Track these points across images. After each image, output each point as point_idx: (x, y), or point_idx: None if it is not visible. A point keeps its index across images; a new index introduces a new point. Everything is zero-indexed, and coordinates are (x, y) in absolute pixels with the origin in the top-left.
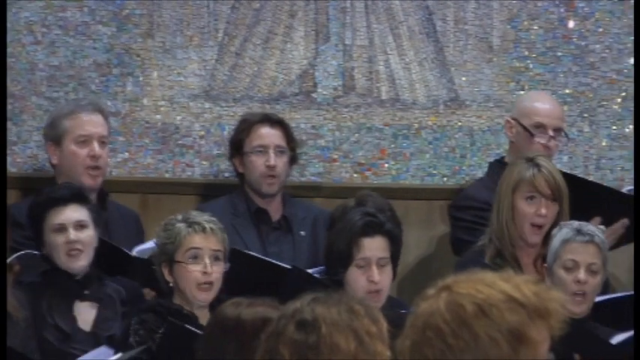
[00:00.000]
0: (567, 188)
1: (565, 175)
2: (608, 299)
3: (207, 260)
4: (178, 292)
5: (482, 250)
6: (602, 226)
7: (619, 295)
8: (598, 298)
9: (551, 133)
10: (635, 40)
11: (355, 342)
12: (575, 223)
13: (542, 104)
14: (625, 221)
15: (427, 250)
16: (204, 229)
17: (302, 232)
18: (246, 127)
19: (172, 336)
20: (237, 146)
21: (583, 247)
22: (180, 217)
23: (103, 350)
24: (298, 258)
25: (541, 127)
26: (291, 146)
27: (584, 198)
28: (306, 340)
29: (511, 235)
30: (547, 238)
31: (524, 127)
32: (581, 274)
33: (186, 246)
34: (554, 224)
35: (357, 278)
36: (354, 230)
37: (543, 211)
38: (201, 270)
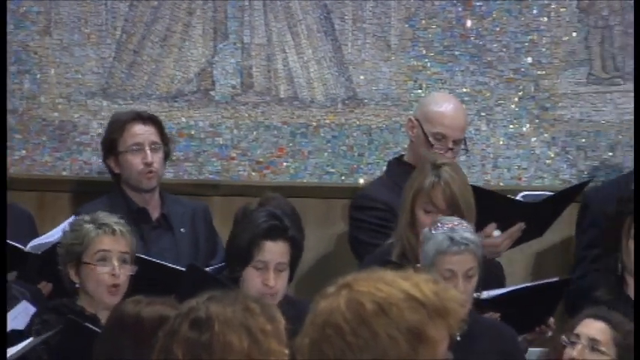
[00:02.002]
0: (473, 199)
1: None
2: (505, 293)
3: (115, 262)
4: (83, 293)
5: (390, 249)
6: (498, 231)
7: (513, 288)
8: (495, 292)
9: (450, 145)
10: (635, 40)
11: (248, 340)
12: (447, 228)
13: (447, 113)
14: (521, 225)
15: (325, 249)
16: (113, 232)
17: (182, 229)
18: (118, 126)
19: (71, 334)
20: (111, 146)
21: (459, 257)
22: (88, 217)
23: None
24: (180, 255)
25: (442, 138)
26: (165, 141)
27: (479, 206)
28: (199, 338)
29: (410, 240)
30: None
31: (425, 134)
32: (460, 285)
33: (94, 248)
34: None
35: (253, 279)
36: (257, 231)
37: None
38: (109, 272)
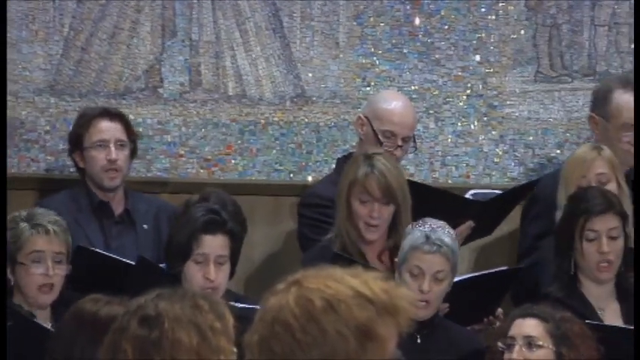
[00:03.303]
0: (408, 187)
1: (411, 183)
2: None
3: (49, 263)
4: (19, 291)
5: (329, 245)
6: None
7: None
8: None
9: (399, 142)
10: (635, 40)
11: (198, 337)
12: (427, 227)
13: (396, 111)
14: (470, 223)
15: (274, 247)
16: (47, 232)
17: (145, 226)
18: (85, 121)
19: (19, 330)
20: (77, 141)
21: (430, 257)
22: (24, 215)
23: None
24: (141, 251)
25: (391, 135)
26: (132, 139)
27: (429, 204)
28: (148, 335)
29: (350, 233)
30: (392, 232)
31: (374, 131)
32: (425, 285)
33: (28, 248)
34: (395, 222)
35: (194, 274)
36: (195, 226)
37: (375, 214)
38: (42, 273)
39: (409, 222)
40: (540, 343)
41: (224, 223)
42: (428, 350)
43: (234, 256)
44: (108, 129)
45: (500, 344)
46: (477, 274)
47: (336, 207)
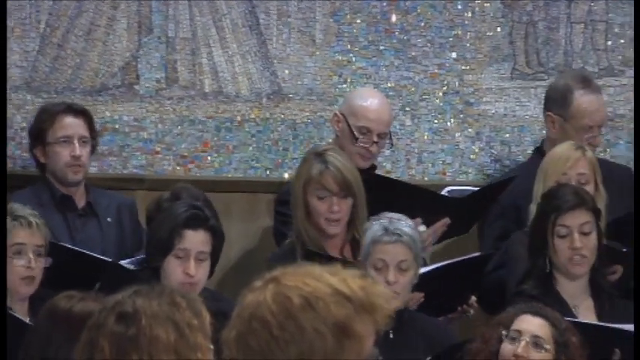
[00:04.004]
0: (361, 180)
1: (386, 179)
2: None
3: (31, 255)
4: None
5: (293, 247)
6: (423, 226)
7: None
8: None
9: (375, 138)
10: (635, 39)
11: (175, 334)
12: (385, 220)
13: (372, 107)
14: (446, 220)
15: (250, 243)
16: (29, 224)
17: (109, 219)
18: (48, 117)
19: None
20: (39, 136)
21: (391, 247)
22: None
23: None
24: (106, 244)
25: (367, 132)
26: (93, 135)
27: (405, 201)
28: (125, 332)
29: (309, 232)
30: (350, 226)
31: (350, 127)
32: (391, 276)
33: (10, 241)
34: (352, 215)
35: (174, 269)
36: (177, 221)
37: (335, 208)
38: (24, 265)
39: (365, 214)
40: (547, 346)
41: (206, 219)
42: (401, 345)
43: (214, 255)
44: (72, 125)
45: (503, 332)
46: (448, 261)
47: (293, 209)
